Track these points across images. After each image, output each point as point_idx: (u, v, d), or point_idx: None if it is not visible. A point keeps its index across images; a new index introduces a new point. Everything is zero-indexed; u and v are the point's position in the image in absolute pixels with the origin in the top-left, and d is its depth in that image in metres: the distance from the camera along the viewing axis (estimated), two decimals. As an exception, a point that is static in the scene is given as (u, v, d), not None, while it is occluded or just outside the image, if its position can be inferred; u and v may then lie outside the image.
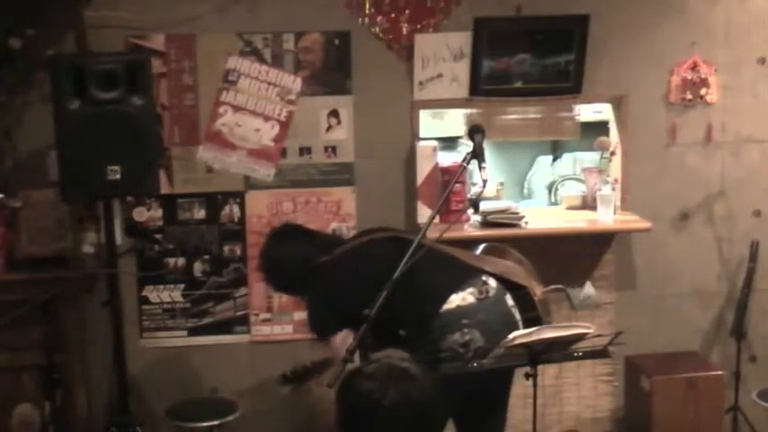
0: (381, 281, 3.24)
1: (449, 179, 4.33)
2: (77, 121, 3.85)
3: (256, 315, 4.68)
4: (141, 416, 4.37)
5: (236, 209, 4.62)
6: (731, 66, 4.83)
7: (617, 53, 4.73)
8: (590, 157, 5.03)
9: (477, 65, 4.61)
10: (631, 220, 4.72)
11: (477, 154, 3.54)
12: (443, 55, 4.62)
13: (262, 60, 4.55)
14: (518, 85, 4.68)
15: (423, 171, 4.59)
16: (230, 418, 4.33)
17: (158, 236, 4.58)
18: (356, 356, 3.16)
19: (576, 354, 3.47)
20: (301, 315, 4.47)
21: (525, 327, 3.45)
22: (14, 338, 4.13)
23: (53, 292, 4.08)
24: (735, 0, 4.80)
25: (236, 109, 4.55)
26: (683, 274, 4.94)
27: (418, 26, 4.60)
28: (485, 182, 3.51)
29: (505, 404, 3.67)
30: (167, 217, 4.58)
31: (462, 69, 4.63)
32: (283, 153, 4.61)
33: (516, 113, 4.75)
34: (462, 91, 4.66)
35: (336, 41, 4.58)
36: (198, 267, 4.63)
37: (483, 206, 4.55)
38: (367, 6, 4.57)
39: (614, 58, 4.73)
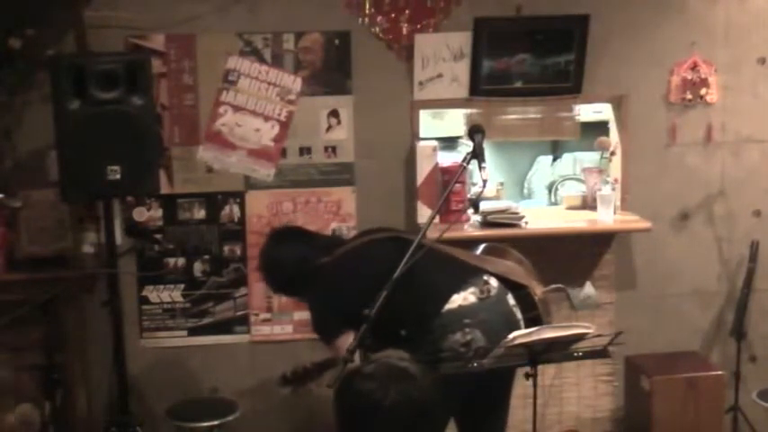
0: (382, 281, 3.24)
1: (449, 179, 4.33)
2: (77, 121, 3.85)
3: (256, 315, 4.68)
4: (141, 416, 4.37)
5: (236, 209, 4.62)
6: (731, 66, 4.82)
7: (617, 53, 4.73)
8: (590, 157, 5.02)
9: (477, 65, 4.61)
10: (631, 220, 4.72)
11: (477, 154, 3.54)
12: (443, 55, 4.62)
13: (262, 60, 4.55)
14: (518, 85, 4.68)
15: (423, 171, 4.59)
16: (230, 418, 4.33)
17: (158, 236, 4.58)
18: (356, 356, 3.17)
19: (576, 354, 3.47)
20: (301, 315, 4.47)
21: (526, 326, 3.45)
22: (14, 338, 4.14)
23: (53, 292, 4.08)
24: (735, 0, 4.80)
25: (236, 109, 4.55)
26: (683, 274, 4.94)
27: (418, 26, 4.60)
28: (485, 182, 3.50)
29: (507, 404, 3.67)
30: (167, 217, 4.58)
31: (462, 69, 4.63)
32: (283, 153, 4.60)
33: (516, 113, 4.75)
34: (462, 91, 4.66)
35: (336, 41, 4.58)
36: (198, 267, 4.63)
37: (483, 206, 4.55)
38: (367, 6, 4.57)
39: (614, 58, 4.73)
